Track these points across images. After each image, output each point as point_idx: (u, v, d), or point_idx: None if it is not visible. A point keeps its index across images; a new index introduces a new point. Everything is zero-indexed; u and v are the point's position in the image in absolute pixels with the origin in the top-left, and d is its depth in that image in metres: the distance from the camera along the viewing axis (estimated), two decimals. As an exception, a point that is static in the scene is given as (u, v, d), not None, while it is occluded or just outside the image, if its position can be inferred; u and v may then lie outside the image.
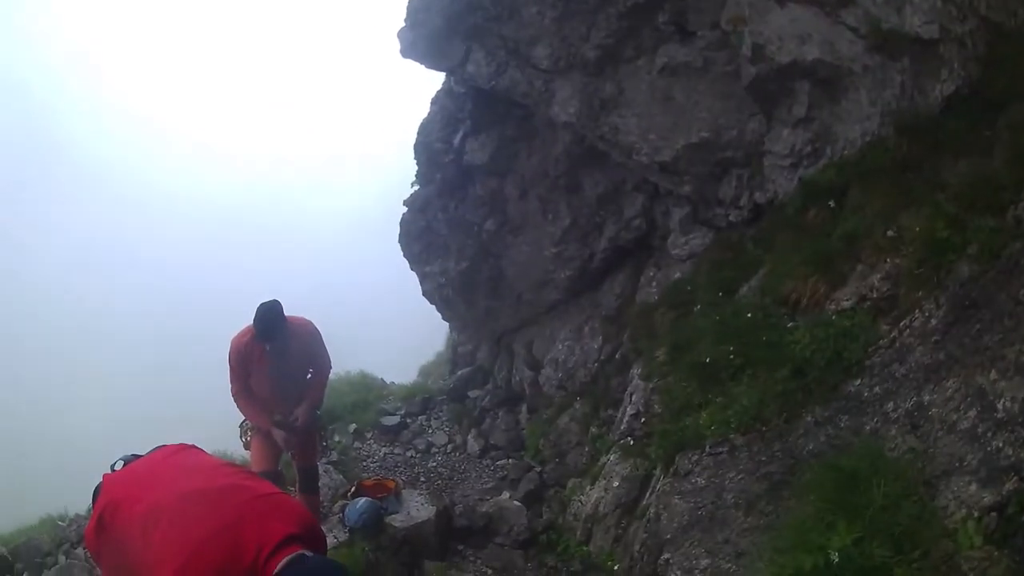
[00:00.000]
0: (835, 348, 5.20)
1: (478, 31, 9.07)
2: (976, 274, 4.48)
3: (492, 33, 8.91)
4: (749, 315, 6.35)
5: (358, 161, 63.03)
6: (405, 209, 11.80)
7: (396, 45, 10.08)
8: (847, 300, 5.47)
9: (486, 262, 10.94)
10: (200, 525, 3.35)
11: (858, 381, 4.91)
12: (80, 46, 76.82)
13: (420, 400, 12.12)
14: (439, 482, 9.89)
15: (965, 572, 3.32)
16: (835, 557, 3.63)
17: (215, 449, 9.13)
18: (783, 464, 5.04)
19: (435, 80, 11.08)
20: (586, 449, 8.81)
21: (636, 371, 7.95)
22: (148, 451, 4.34)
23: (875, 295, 5.25)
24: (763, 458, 5.25)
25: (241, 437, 7.22)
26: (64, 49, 73.85)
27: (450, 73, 10.35)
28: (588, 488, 7.69)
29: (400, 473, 9.95)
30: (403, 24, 9.85)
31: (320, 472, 8.36)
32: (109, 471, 4.23)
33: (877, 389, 4.71)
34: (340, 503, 8.36)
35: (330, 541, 6.81)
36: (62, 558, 8.49)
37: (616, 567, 6.29)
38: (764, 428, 5.40)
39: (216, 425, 9.15)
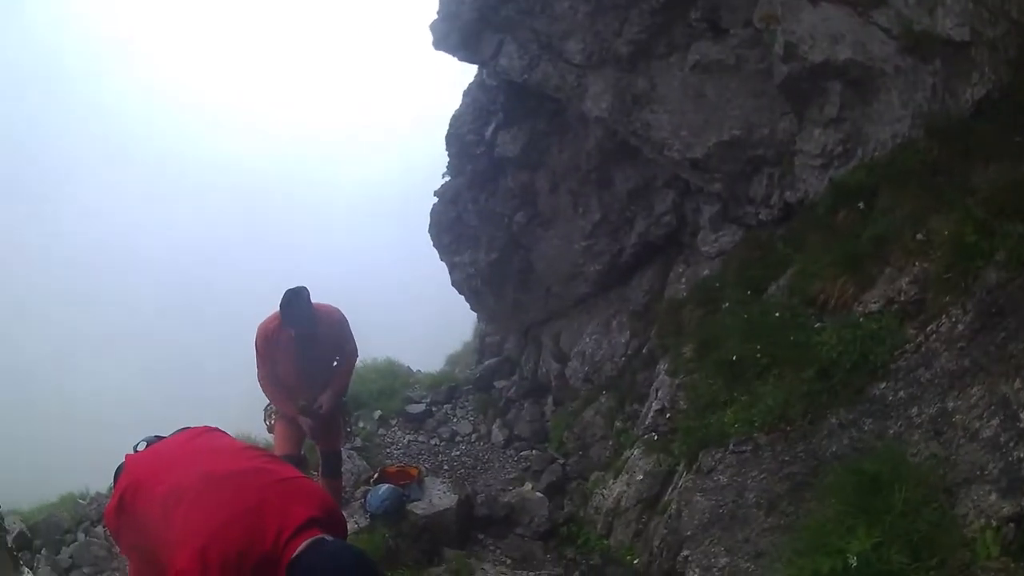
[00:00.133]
0: (861, 350, 5.16)
1: (511, 24, 9.07)
2: (1003, 281, 4.45)
3: (525, 26, 8.91)
4: (777, 314, 6.33)
5: (386, 138, 63.10)
6: (435, 199, 11.85)
7: (425, 29, 10.12)
8: (875, 302, 5.44)
9: (516, 254, 10.97)
10: (221, 507, 3.40)
11: (883, 384, 4.89)
12: (110, 21, 77.45)
13: (446, 389, 12.18)
14: (462, 471, 9.95)
15: (981, 583, 3.33)
16: (853, 561, 3.63)
17: (239, 431, 9.24)
18: (806, 465, 5.03)
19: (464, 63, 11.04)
20: (610, 443, 8.82)
21: (663, 367, 7.94)
22: (171, 433, 4.42)
23: (903, 298, 5.21)
24: (786, 458, 5.24)
25: (265, 420, 7.30)
26: (95, 24, 74.53)
27: (482, 66, 10.38)
28: (611, 482, 7.70)
29: (423, 461, 10.02)
30: (435, 16, 9.87)
31: (343, 457, 8.44)
32: (131, 451, 4.32)
33: (902, 393, 4.69)
34: (363, 489, 8.44)
35: (351, 526, 6.87)
36: (81, 536, 8.62)
37: (635, 562, 6.31)
38: (788, 428, 5.39)
39: (240, 407, 9.26)
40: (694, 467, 6.05)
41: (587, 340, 10.41)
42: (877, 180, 6.15)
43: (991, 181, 5.04)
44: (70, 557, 8.20)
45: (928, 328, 4.84)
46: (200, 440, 4.23)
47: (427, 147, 14.22)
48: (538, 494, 8.68)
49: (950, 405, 4.24)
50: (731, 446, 5.73)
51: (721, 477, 5.65)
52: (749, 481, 5.38)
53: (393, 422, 11.21)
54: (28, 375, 39.43)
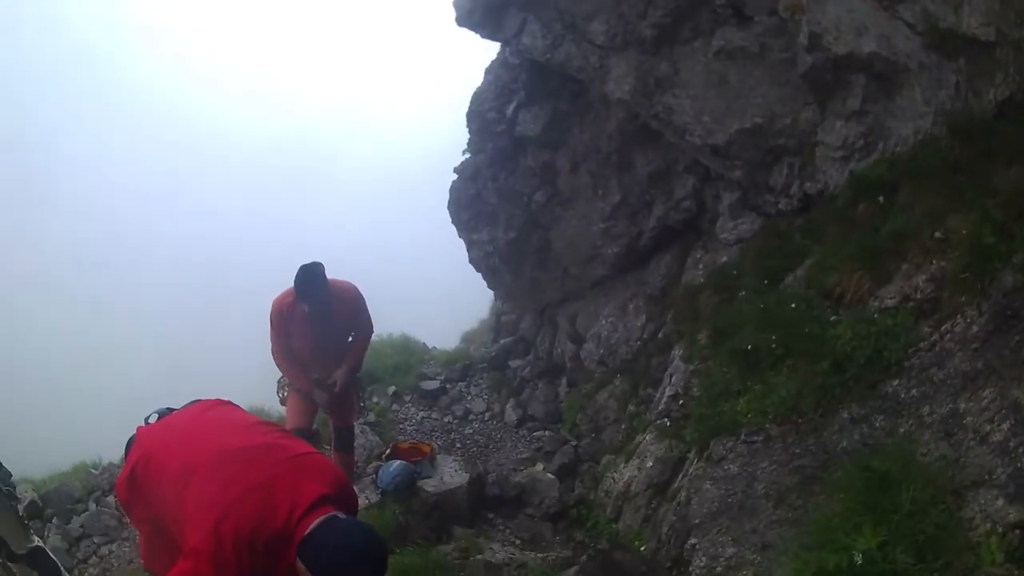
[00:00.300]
0: (876, 346, 5.13)
1: (534, 2, 9.01)
2: (1020, 284, 4.40)
3: (549, 5, 8.84)
4: (793, 305, 6.30)
5: (407, 114, 62.94)
6: (455, 176, 11.84)
7: (448, 5, 10.08)
8: (891, 299, 5.40)
9: (534, 233, 10.96)
10: (234, 483, 3.43)
11: (896, 382, 4.87)
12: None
13: (461, 366, 12.21)
14: (474, 449, 10.01)
15: (984, 589, 3.32)
16: (859, 559, 3.63)
17: (251, 403, 9.33)
18: (816, 459, 5.02)
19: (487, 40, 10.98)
20: (623, 427, 8.84)
21: (677, 352, 7.93)
22: (183, 405, 4.44)
23: (919, 296, 5.17)
24: (797, 451, 5.23)
25: (278, 392, 7.34)
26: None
27: (505, 44, 10.32)
28: (622, 466, 7.72)
29: (436, 438, 10.08)
30: (459, -9, 9.82)
31: (356, 432, 8.51)
32: (143, 423, 4.35)
33: (914, 392, 4.67)
34: (374, 464, 8.52)
35: (362, 502, 6.93)
36: (92, 505, 8.72)
37: (643, 548, 6.32)
38: (800, 420, 5.38)
39: (253, 378, 9.32)
40: (705, 455, 6.05)
41: (603, 322, 10.41)
42: (898, 175, 6.10)
43: (1012, 183, 4.98)
44: (81, 526, 8.32)
45: (943, 327, 4.81)
46: (212, 413, 4.26)
47: (449, 123, 14.18)
48: (549, 475, 8.72)
49: (962, 406, 4.21)
50: (743, 436, 5.72)
51: (731, 466, 5.65)
52: (759, 472, 5.37)
53: (407, 398, 11.26)
54: (42, 345, 39.72)
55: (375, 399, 10.88)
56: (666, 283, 9.61)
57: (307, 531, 3.28)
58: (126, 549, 7.93)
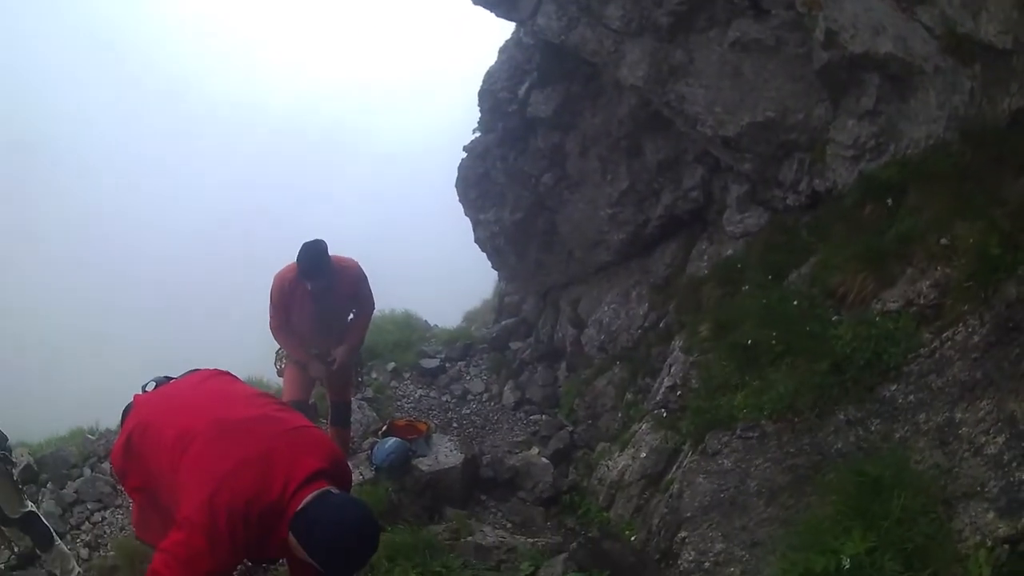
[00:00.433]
0: (875, 349, 5.11)
1: (550, -17, 8.93)
2: (1023, 296, 4.38)
3: (565, -13, 8.76)
4: (795, 303, 6.28)
5: (421, 90, 62.79)
6: (464, 154, 11.80)
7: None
8: (894, 302, 5.36)
9: (541, 215, 10.94)
10: (230, 455, 3.45)
11: (894, 386, 4.84)
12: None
13: (461, 346, 12.24)
14: (471, 430, 10.02)
15: (969, 603, 3.31)
16: (846, 563, 3.63)
17: (249, 374, 9.34)
18: (810, 459, 5.01)
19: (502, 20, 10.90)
20: (619, 415, 8.83)
21: (678, 343, 7.91)
22: (181, 374, 4.45)
23: (922, 301, 5.13)
24: (791, 449, 5.22)
25: (276, 363, 7.36)
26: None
27: (520, 24, 10.24)
28: (616, 454, 7.72)
29: (433, 416, 10.09)
30: (475, -29, 9.74)
31: (354, 408, 8.53)
32: (141, 391, 4.35)
33: (912, 398, 4.64)
34: (370, 440, 8.51)
35: (356, 478, 6.94)
36: (88, 471, 8.69)
37: (633, 538, 6.33)
38: (796, 419, 5.36)
39: (258, 350, 9.31)
40: (700, 448, 6.04)
41: (605, 308, 10.38)
42: (907, 178, 6.04)
43: (1021, 194, 4.93)
44: (75, 492, 8.30)
45: (944, 335, 4.77)
46: (210, 384, 4.28)
47: (461, 101, 14.12)
48: (544, 460, 8.73)
49: (958, 416, 4.19)
50: (738, 431, 5.73)
51: (726, 461, 5.65)
52: (752, 468, 5.37)
53: (406, 375, 11.28)
54: (45, 313, 39.77)
55: (374, 375, 10.90)
56: (670, 272, 9.57)
57: (300, 505, 3.30)
58: (119, 516, 7.94)
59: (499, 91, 10.89)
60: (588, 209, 10.30)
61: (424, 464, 7.93)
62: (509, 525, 7.68)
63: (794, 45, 6.99)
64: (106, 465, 8.54)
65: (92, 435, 9.55)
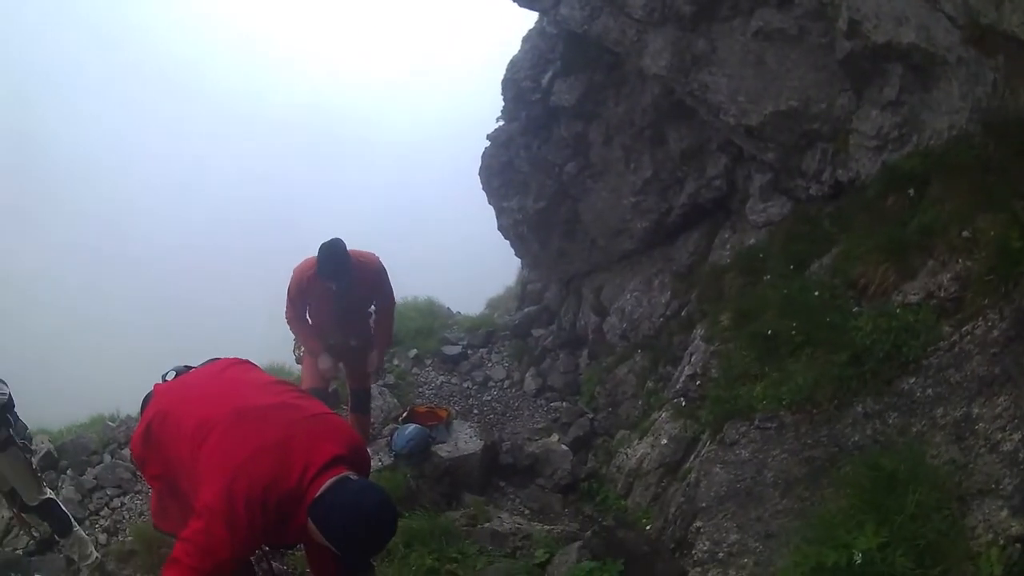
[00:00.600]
0: (895, 341, 5.07)
1: (572, -27, 8.89)
2: (1044, 292, 4.34)
3: (586, -24, 8.73)
4: (816, 293, 6.23)
5: (444, 78, 62.72)
6: (488, 143, 11.80)
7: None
8: (914, 294, 5.31)
9: (564, 204, 10.93)
10: (249, 443, 3.49)
11: (913, 380, 4.80)
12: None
13: (484, 333, 12.27)
14: (491, 416, 10.07)
15: (980, 602, 3.29)
16: (858, 558, 3.60)
17: (269, 361, 9.40)
18: (827, 451, 4.98)
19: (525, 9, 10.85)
20: (640, 402, 8.84)
21: (699, 332, 7.91)
22: (201, 363, 4.50)
23: (942, 294, 5.08)
24: (809, 441, 5.19)
25: (294, 351, 7.42)
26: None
27: (543, 13, 10.23)
28: (636, 442, 7.73)
29: (454, 403, 10.15)
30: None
31: (374, 394, 8.59)
32: (161, 380, 4.41)
33: (930, 392, 4.60)
34: (391, 426, 8.57)
35: (375, 463, 7.01)
36: (108, 457, 8.79)
37: (649, 527, 6.34)
38: (814, 411, 5.33)
39: (268, 337, 9.38)
40: (718, 438, 6.02)
41: (628, 296, 10.37)
42: (930, 169, 5.97)
43: (1042, 187, 4.89)
44: (94, 478, 8.39)
45: (963, 328, 4.72)
46: (229, 372, 4.32)
47: (483, 89, 14.11)
48: (563, 447, 8.76)
49: (975, 411, 4.14)
50: (756, 421, 5.69)
51: (743, 451, 5.62)
52: (769, 459, 5.34)
53: (428, 362, 11.34)
54: (68, 305, 40.07)
55: (396, 361, 10.95)
56: (693, 261, 9.55)
57: (319, 492, 3.34)
58: (138, 502, 8.03)
59: (522, 80, 10.87)
60: (611, 198, 10.28)
61: (444, 450, 7.99)
62: (527, 512, 7.72)
63: (817, 34, 6.92)
64: (126, 452, 8.64)
65: (112, 422, 9.67)
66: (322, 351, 7.00)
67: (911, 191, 6.05)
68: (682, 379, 7.56)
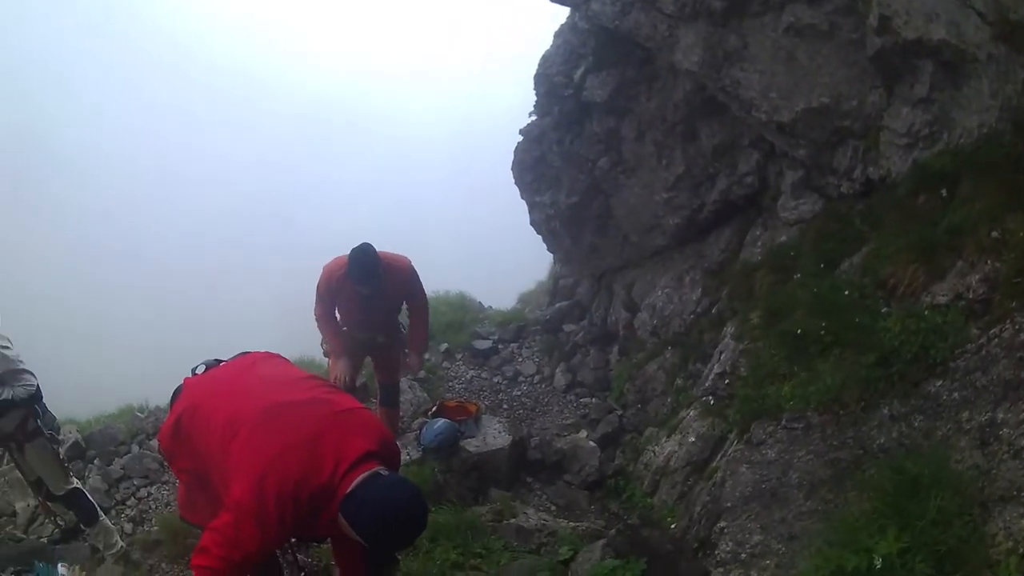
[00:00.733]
0: (923, 343, 5.00)
1: (604, -32, 8.86)
2: (1072, 295, 4.26)
3: (618, -29, 8.69)
4: (846, 292, 6.17)
5: (476, 71, 62.67)
6: (520, 138, 11.81)
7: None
8: (943, 295, 5.24)
9: (596, 199, 10.90)
10: (279, 438, 3.53)
11: (939, 382, 4.74)
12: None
13: (514, 327, 12.28)
14: (521, 411, 10.08)
15: (998, 610, 3.25)
16: (878, 563, 3.59)
17: (299, 355, 9.45)
18: (852, 453, 4.95)
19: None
20: (669, 400, 8.80)
21: (729, 330, 7.87)
22: (231, 357, 4.55)
23: (971, 296, 5.00)
24: (835, 442, 5.16)
25: (322, 344, 7.48)
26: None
27: (575, 9, 10.21)
28: (664, 440, 7.72)
29: (484, 397, 10.17)
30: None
31: (404, 388, 8.64)
32: (191, 374, 4.47)
33: (956, 395, 4.55)
34: (420, 420, 8.61)
35: (403, 458, 7.03)
36: (135, 448, 8.92)
37: (674, 525, 6.32)
38: (841, 412, 5.29)
39: (288, 328, 9.40)
40: (745, 437, 6.01)
41: (659, 293, 10.32)
42: (960, 168, 5.88)
43: (1073, 188, 4.80)
44: (122, 468, 8.53)
45: (991, 331, 4.66)
46: (260, 367, 4.36)
47: (515, 82, 14.12)
48: (591, 443, 8.76)
49: (1000, 416, 4.09)
50: (784, 421, 5.67)
51: (769, 452, 5.60)
52: (795, 460, 5.32)
53: (458, 356, 11.37)
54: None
55: (426, 355, 10.96)
56: (724, 258, 9.48)
57: (350, 487, 3.38)
58: (164, 492, 8.14)
59: (554, 75, 10.86)
60: (643, 193, 10.23)
61: (472, 445, 8.02)
62: (553, 508, 7.74)
63: (848, 30, 6.84)
64: (154, 442, 8.74)
65: (141, 413, 9.81)
66: (343, 354, 7.05)
67: (943, 190, 5.97)
68: (711, 377, 7.52)
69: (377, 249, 6.58)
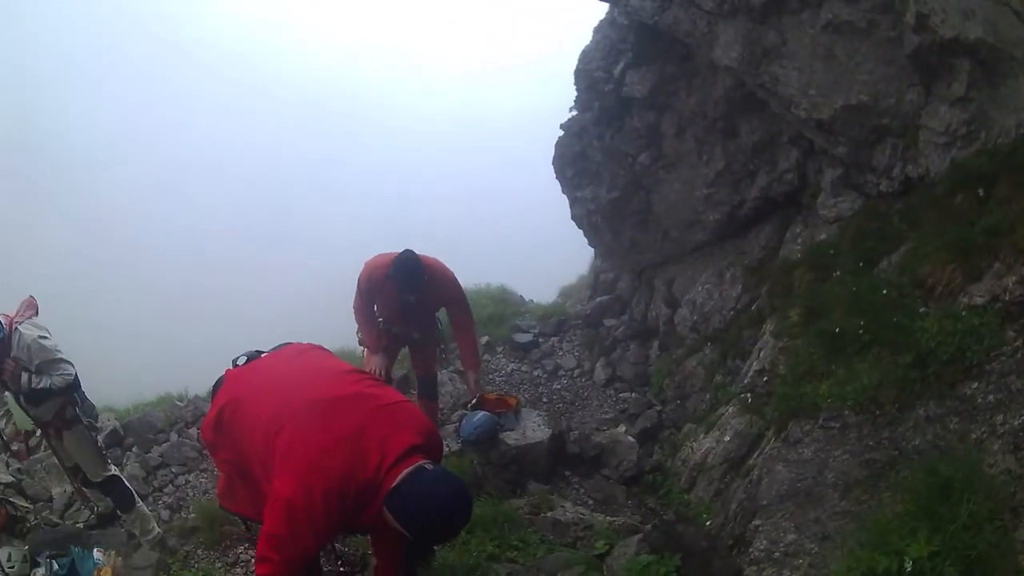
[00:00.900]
0: (960, 345, 5.00)
1: (644, -36, 8.86)
2: (1107, 299, 4.23)
3: (657, -33, 8.69)
4: (884, 291, 6.15)
5: (521, 63, 62.57)
6: (561, 132, 11.84)
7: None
8: (980, 297, 5.22)
9: (636, 194, 10.90)
10: (324, 433, 3.60)
11: (975, 384, 4.74)
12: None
13: (555, 321, 12.32)
14: (560, 405, 10.13)
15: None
16: (908, 566, 3.61)
17: (340, 346, 9.55)
18: (887, 454, 4.96)
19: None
20: (707, 396, 8.80)
21: (769, 327, 7.86)
22: (272, 348, 4.63)
23: (1007, 298, 4.98)
24: (870, 443, 5.16)
25: (358, 334, 7.60)
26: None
27: (613, 4, 10.21)
28: (702, 436, 7.74)
29: (524, 391, 10.23)
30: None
31: (444, 380, 8.76)
32: (232, 366, 4.55)
33: (991, 398, 4.55)
34: (459, 412, 8.67)
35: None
36: (174, 436, 9.04)
37: (709, 522, 6.37)
38: (878, 412, 5.30)
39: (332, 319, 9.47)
40: (782, 435, 6.02)
41: (699, 288, 10.31)
42: (997, 168, 5.83)
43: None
44: (160, 456, 8.65)
45: (1027, 334, 4.66)
46: (302, 359, 4.42)
47: (557, 77, 14.11)
48: (630, 438, 8.77)
49: (1033, 421, 4.10)
50: (821, 420, 5.67)
51: (806, 450, 5.61)
52: (831, 460, 5.33)
53: (499, 349, 11.45)
54: (135, 281, 40.84)
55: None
56: (764, 255, 9.44)
57: (395, 482, 3.45)
58: (203, 480, 8.28)
59: (595, 71, 10.87)
60: (684, 189, 10.22)
61: (511, 438, 8.07)
62: (590, 502, 7.78)
63: (886, 28, 6.79)
64: (193, 431, 8.89)
65: (180, 401, 9.96)
66: (378, 351, 7.18)
67: (980, 190, 5.93)
68: (750, 374, 7.53)
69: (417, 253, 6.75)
